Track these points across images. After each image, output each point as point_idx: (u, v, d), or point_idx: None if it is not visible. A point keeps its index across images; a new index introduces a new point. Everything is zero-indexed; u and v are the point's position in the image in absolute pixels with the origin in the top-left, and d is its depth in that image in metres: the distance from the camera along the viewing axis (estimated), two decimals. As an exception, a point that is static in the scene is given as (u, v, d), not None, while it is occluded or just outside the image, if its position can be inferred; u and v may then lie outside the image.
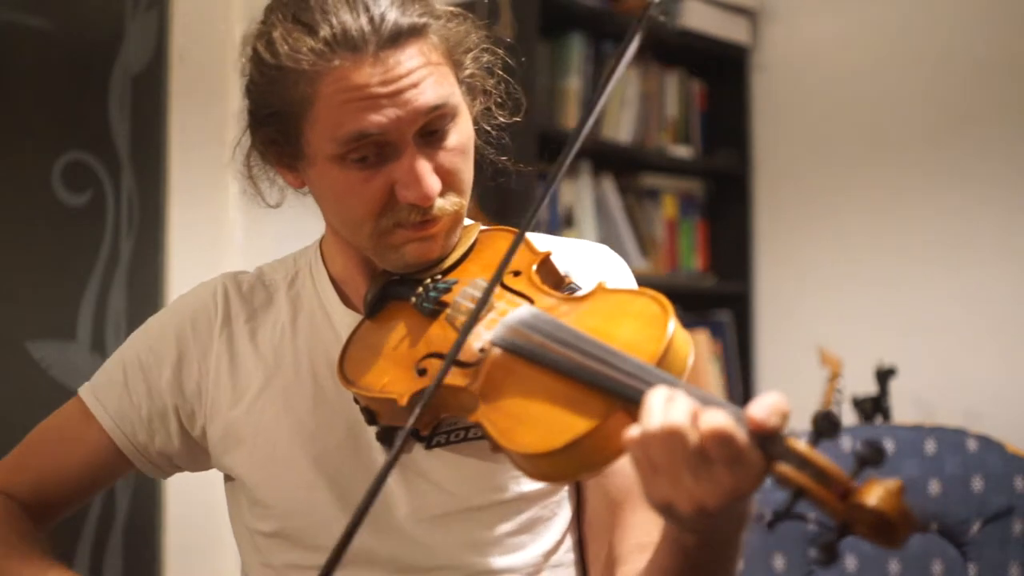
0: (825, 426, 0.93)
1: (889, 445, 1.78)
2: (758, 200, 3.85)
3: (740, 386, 3.75)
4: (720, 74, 3.86)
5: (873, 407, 3.00)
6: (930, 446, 1.77)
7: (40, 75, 2.59)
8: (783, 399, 0.96)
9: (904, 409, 3.10)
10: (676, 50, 3.74)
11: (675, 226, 3.78)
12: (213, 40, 2.78)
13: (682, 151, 3.75)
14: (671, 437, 0.94)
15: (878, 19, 3.61)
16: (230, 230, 2.74)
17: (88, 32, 2.68)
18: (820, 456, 0.93)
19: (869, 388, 3.04)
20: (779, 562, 1.77)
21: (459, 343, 1.09)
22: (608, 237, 3.58)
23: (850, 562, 1.76)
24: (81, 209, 2.63)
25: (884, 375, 3.02)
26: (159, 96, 2.75)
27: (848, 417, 3.08)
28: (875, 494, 0.90)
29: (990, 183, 3.39)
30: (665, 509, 0.99)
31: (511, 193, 3.14)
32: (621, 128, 3.58)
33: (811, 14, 3.75)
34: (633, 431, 0.97)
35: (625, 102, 3.60)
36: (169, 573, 2.69)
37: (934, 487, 1.75)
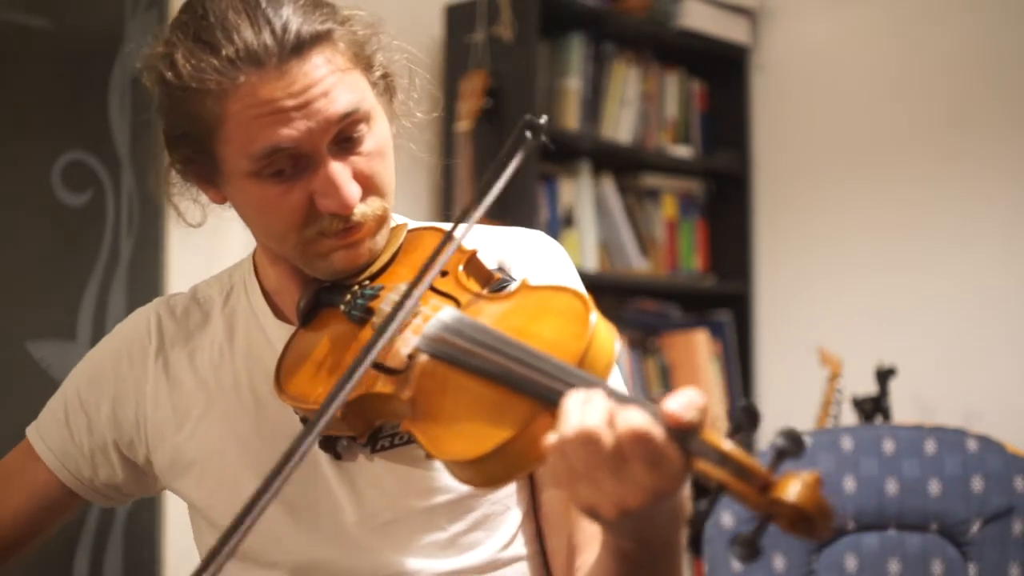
0: (743, 419, 0.93)
1: (889, 445, 1.78)
2: (758, 200, 3.85)
3: (740, 386, 3.75)
4: (720, 74, 3.86)
5: (873, 407, 3.00)
6: (930, 446, 1.77)
7: (40, 75, 2.59)
8: (700, 394, 0.95)
9: (904, 409, 3.10)
10: (676, 50, 3.74)
11: (675, 226, 3.78)
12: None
13: (682, 151, 3.75)
14: (588, 441, 0.94)
15: (878, 19, 3.61)
16: (230, 230, 2.74)
17: (88, 32, 2.68)
18: (738, 451, 0.93)
19: (869, 388, 3.04)
20: (779, 562, 1.77)
21: (367, 350, 1.08)
22: (608, 237, 3.58)
23: (850, 562, 1.76)
24: (81, 209, 2.63)
25: (884, 375, 3.02)
26: (159, 96, 2.75)
27: (848, 417, 3.08)
28: (792, 489, 0.90)
29: (990, 182, 3.39)
30: (591, 513, 0.98)
31: (509, 192, 3.13)
32: (621, 128, 3.58)
33: (811, 14, 3.76)
34: (551, 437, 0.96)
35: (625, 102, 3.61)
36: (169, 573, 2.69)
37: (934, 487, 1.75)
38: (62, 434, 1.39)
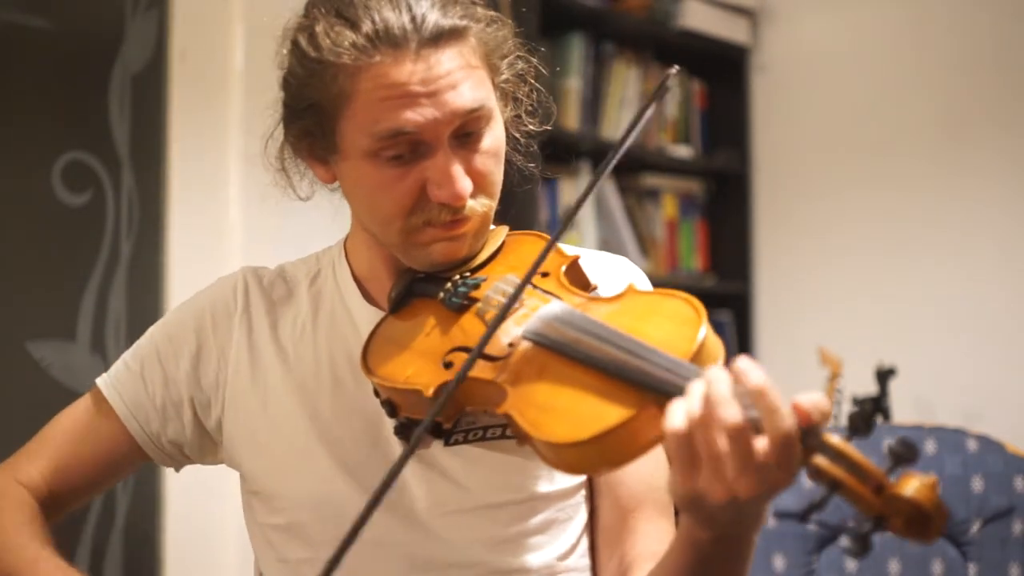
0: (860, 424, 0.95)
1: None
2: (758, 200, 3.85)
3: (740, 386, 3.74)
4: (720, 74, 3.86)
5: (873, 407, 3.00)
6: (930, 446, 1.77)
7: (40, 75, 2.59)
8: (827, 400, 0.97)
9: (904, 409, 3.10)
10: (676, 50, 3.74)
11: (675, 226, 3.78)
12: (213, 40, 2.78)
13: (682, 151, 3.75)
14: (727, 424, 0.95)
15: (878, 19, 3.61)
16: (230, 230, 2.74)
17: (88, 32, 2.68)
18: (856, 451, 0.95)
19: (869, 388, 3.04)
20: (779, 562, 1.77)
21: (489, 333, 1.11)
22: (608, 237, 3.58)
23: (850, 562, 1.76)
24: (81, 209, 2.63)
25: (884, 375, 3.02)
26: (159, 96, 2.75)
27: (848, 417, 3.08)
28: (911, 486, 0.92)
29: (990, 183, 3.39)
30: (696, 500, 0.99)
31: (514, 196, 3.13)
32: (621, 128, 3.58)
33: (811, 14, 3.75)
34: (677, 415, 0.97)
35: (625, 102, 3.60)
36: (169, 573, 2.69)
37: (934, 487, 1.75)
38: (135, 385, 1.39)
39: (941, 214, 3.46)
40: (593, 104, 3.51)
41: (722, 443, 0.95)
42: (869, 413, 0.95)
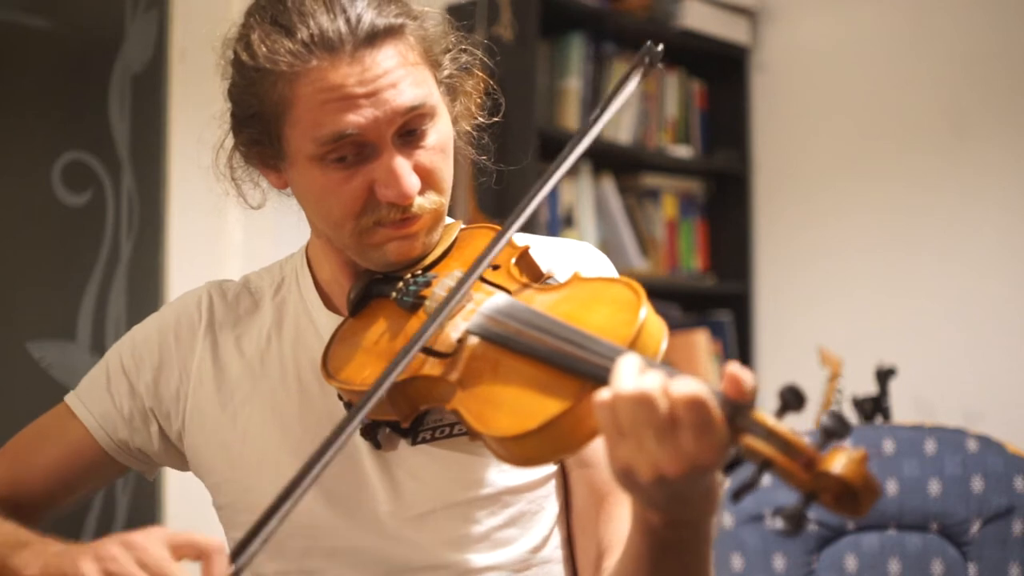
0: (791, 399, 0.94)
1: (889, 445, 1.78)
2: (758, 200, 3.85)
3: (740, 386, 3.74)
4: (720, 74, 3.86)
5: (873, 407, 3.00)
6: (930, 446, 1.77)
7: (40, 75, 2.59)
8: (752, 376, 0.96)
9: (904, 409, 3.10)
10: (676, 50, 3.74)
11: (675, 226, 3.78)
12: (213, 40, 2.78)
13: (682, 151, 3.75)
14: (641, 398, 0.94)
15: (878, 19, 3.61)
16: (230, 230, 2.74)
17: (88, 32, 2.68)
18: (785, 428, 0.94)
19: (869, 388, 3.04)
20: (779, 562, 1.77)
21: (426, 327, 1.11)
22: (608, 237, 3.58)
23: (850, 562, 1.76)
24: (81, 209, 2.63)
25: (884, 375, 3.02)
26: (159, 96, 2.75)
27: (848, 417, 3.08)
28: (839, 462, 0.91)
29: (990, 183, 3.39)
30: (626, 475, 0.98)
31: (509, 194, 3.14)
32: (621, 128, 3.58)
33: (811, 14, 3.76)
34: (603, 393, 0.97)
35: (625, 102, 3.60)
36: (169, 573, 2.69)
37: (934, 487, 1.75)
38: (102, 397, 1.40)
39: (941, 214, 3.46)
40: (593, 104, 3.51)
41: (640, 415, 0.94)
42: (799, 390, 0.93)
